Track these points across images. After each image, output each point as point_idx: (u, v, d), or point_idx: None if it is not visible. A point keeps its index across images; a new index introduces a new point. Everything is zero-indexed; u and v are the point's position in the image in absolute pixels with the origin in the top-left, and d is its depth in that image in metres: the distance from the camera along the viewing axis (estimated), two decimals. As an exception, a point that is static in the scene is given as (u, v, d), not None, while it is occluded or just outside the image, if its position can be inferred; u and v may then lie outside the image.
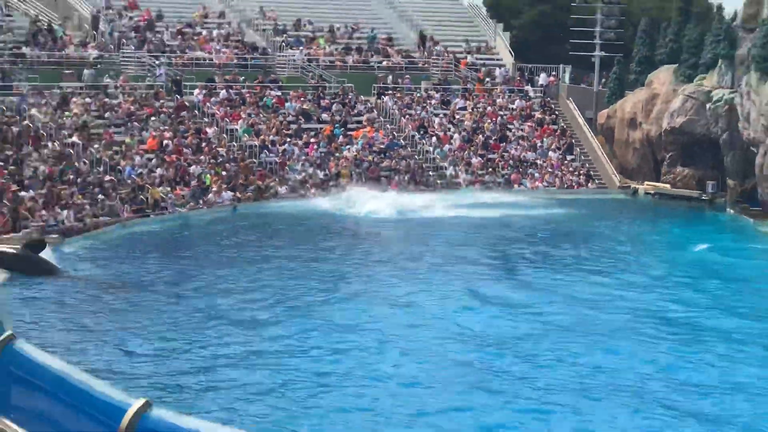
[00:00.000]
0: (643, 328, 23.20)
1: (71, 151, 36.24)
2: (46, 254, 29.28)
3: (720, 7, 51.17)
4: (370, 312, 24.80)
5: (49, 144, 36.40)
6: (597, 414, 17.46)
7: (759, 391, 18.91)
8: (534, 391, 18.38)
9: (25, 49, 41.75)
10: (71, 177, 34.56)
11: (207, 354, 21.16)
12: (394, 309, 24.61)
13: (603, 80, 51.55)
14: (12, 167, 34.59)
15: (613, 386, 18.59)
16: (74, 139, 37.19)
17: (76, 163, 35.43)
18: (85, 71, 41.37)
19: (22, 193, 32.72)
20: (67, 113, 37.98)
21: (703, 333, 23.64)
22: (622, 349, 21.37)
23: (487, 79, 49.11)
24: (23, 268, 27.64)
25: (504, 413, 17.67)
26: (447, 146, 42.42)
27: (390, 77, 46.84)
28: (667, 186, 43.08)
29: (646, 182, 43.57)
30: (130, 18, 47.05)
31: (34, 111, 38.02)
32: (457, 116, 45.43)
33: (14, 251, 28.32)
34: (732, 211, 41.37)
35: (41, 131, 36.90)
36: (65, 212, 32.27)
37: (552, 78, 50.42)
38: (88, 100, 39.53)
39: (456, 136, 43.56)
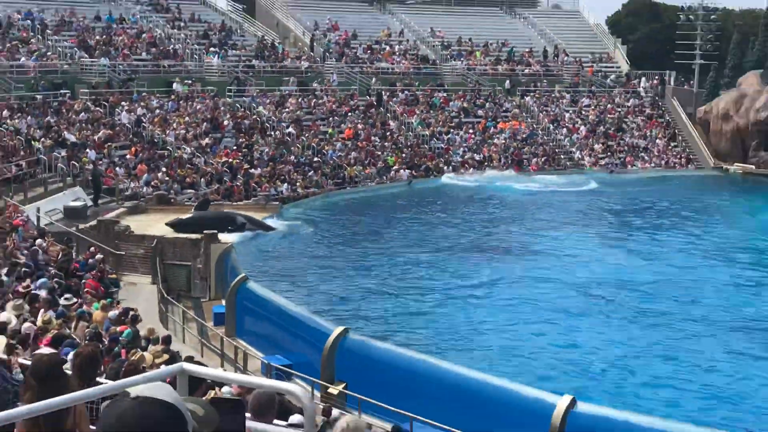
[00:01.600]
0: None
1: (288, 138, 42.99)
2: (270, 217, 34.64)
3: None
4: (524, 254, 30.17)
5: (272, 133, 43.23)
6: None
7: None
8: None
9: (254, 62, 49.57)
10: (288, 158, 41.25)
11: (389, 289, 25.41)
12: (548, 258, 29.65)
13: (703, 83, 56.37)
14: (245, 150, 41.25)
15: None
16: (290, 129, 43.91)
17: (292, 148, 42.22)
18: (291, 78, 48.83)
19: (252, 170, 39.46)
20: (285, 110, 45.32)
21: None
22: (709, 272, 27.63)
23: (608, 81, 55.15)
24: (249, 227, 32.81)
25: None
26: (575, 135, 49.08)
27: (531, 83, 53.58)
28: (752, 167, 48.55)
29: (735, 163, 49.40)
30: (333, 37, 54.97)
31: (260, 108, 45.24)
32: (583, 112, 51.84)
33: (244, 215, 33.22)
34: None
35: (266, 123, 43.85)
36: (284, 185, 38.96)
37: (655, 81, 55.82)
38: (300, 100, 46.98)
39: (582, 127, 50.10)
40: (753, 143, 48.89)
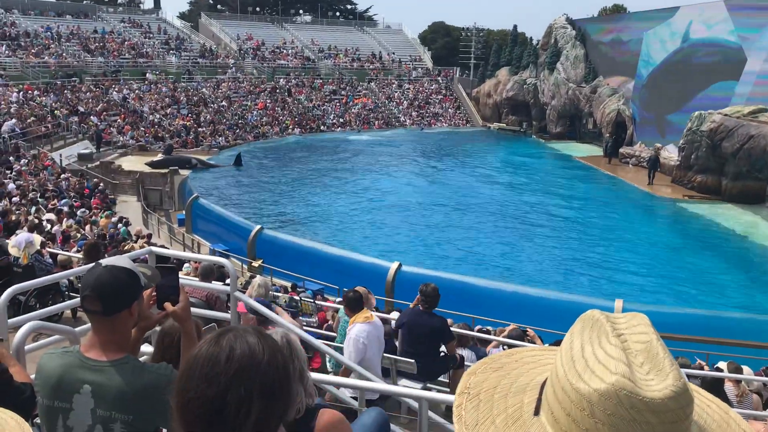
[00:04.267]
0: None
1: (222, 108, 55.07)
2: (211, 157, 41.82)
3: (531, 38, 75.02)
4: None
5: (212, 105, 54.97)
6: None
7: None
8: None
9: (199, 60, 61.69)
10: (222, 121, 52.27)
11: (289, 200, 31.65)
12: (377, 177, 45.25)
13: (477, 74, 72.70)
14: (194, 116, 51.38)
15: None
16: (223, 103, 56.40)
17: (225, 114, 54.33)
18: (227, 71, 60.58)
19: (200, 129, 48.85)
20: (219, 90, 57.60)
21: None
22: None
23: (415, 75, 72.23)
24: (199, 165, 37.53)
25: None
26: (401, 107, 67.74)
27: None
28: (504, 125, 65.57)
29: (495, 123, 66.78)
30: (249, 44, 67.18)
31: (204, 90, 56.15)
32: (405, 92, 69.69)
33: (195, 157, 38.95)
34: (534, 137, 61.45)
35: (207, 99, 55.45)
36: (221, 138, 49.55)
37: (448, 73, 72.75)
38: (230, 84, 59.40)
39: (405, 102, 68.48)
40: (504, 110, 67.10)
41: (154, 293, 3.03)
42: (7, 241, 11.05)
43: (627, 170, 44.78)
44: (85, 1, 68.31)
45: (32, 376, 3.21)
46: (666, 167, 41.25)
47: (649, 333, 1.19)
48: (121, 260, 2.85)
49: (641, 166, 44.35)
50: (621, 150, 48.32)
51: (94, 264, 2.86)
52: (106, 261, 2.85)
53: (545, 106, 59.55)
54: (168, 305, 3.03)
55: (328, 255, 19.63)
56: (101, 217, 21.21)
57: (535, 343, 10.89)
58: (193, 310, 3.49)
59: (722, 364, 10.12)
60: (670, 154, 41.73)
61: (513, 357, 1.41)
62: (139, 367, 2.81)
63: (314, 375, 4.28)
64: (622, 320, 1.22)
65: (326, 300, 14.99)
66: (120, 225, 20.86)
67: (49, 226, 16.52)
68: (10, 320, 4.50)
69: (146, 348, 4.32)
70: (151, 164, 34.97)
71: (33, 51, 52.14)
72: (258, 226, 21.73)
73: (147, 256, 5.51)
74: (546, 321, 13.75)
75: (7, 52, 51.02)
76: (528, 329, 11.76)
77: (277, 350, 1.75)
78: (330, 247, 20.81)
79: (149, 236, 19.63)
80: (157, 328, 3.90)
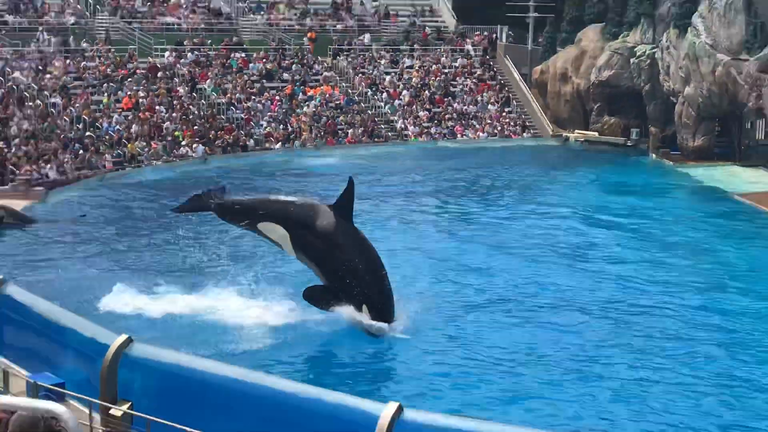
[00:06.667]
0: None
1: (53, 110, 38.10)
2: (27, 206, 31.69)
3: None
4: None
5: (32, 104, 38.02)
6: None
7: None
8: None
9: (6, 17, 42.91)
10: (54, 134, 36.48)
11: (177, 288, 23.08)
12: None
13: (538, 39, 54.03)
14: None
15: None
16: (55, 99, 38.78)
17: (58, 121, 37.35)
18: (53, 39, 43.16)
19: (7, 150, 34.73)
20: (47, 75, 39.87)
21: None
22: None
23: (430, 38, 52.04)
24: (6, 220, 29.41)
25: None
26: (397, 101, 45.44)
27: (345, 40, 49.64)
28: (595, 134, 46.15)
29: (576, 130, 46.74)
30: None
31: (17, 74, 39.47)
32: (405, 74, 48.26)
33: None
34: (654, 155, 44.56)
35: (24, 93, 38.45)
36: (49, 167, 34.21)
37: (485, 37, 53.71)
38: (67, 62, 41.22)
39: (405, 92, 46.43)
40: (595, 107, 46.79)
41: None
42: None
43: None
44: None
45: None
46: None
47: None
48: None
49: None
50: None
51: None
52: None
53: (673, 98, 45.93)
54: None
55: (262, 391, 12.78)
56: None
57: None
58: None
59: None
60: None
61: None
62: None
63: None
64: None
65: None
66: None
67: None
68: None
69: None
70: None
71: None
72: (123, 337, 14.07)
73: None
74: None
75: None
76: None
77: None
78: (266, 376, 13.59)
79: None
80: None
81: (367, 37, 51.72)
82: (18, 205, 31.02)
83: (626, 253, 28.07)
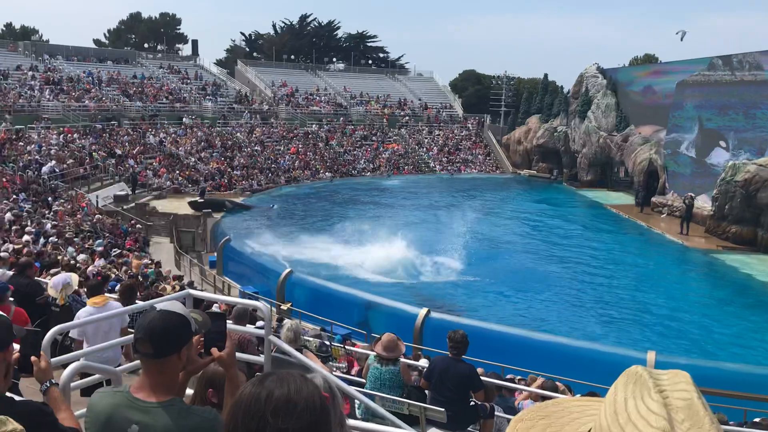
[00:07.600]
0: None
1: (255, 153, 54.70)
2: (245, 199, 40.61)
3: (561, 87, 74.35)
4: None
5: (245, 149, 54.67)
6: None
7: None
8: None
9: (234, 105, 61.18)
10: (255, 165, 51.86)
11: (320, 244, 30.84)
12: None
13: (507, 121, 71.58)
14: (228, 159, 50.83)
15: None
16: (257, 147, 55.87)
17: (258, 158, 53.84)
18: (257, 115, 59.66)
19: (233, 172, 48.83)
20: (253, 135, 57.34)
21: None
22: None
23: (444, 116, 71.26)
24: (232, 208, 38.18)
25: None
26: (430, 153, 66.79)
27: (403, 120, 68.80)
28: (534, 172, 64.41)
29: (525, 170, 65.61)
30: (283, 91, 67.91)
31: (238, 134, 55.88)
32: (435, 138, 68.99)
33: (229, 200, 39.65)
34: (565, 184, 59.52)
35: (241, 144, 55.17)
36: (253, 182, 48.83)
37: (477, 119, 71.81)
38: (263, 129, 59.02)
39: (435, 147, 67.68)
40: (535, 157, 65.67)
41: (202, 339, 3.12)
42: (45, 280, 11.06)
43: (659, 219, 44.28)
44: (125, 48, 71.13)
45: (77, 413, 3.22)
46: (699, 217, 40.61)
47: (691, 390, 1.22)
48: (174, 305, 2.92)
49: (674, 215, 43.88)
50: (653, 199, 47.63)
51: (149, 309, 2.94)
52: (160, 305, 2.93)
53: (576, 154, 58.73)
54: (215, 351, 3.11)
55: (357, 299, 19.48)
56: (133, 258, 21.32)
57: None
58: None
59: (760, 420, 9.73)
60: (704, 204, 41.21)
61: (560, 406, 1.43)
62: (185, 410, 2.87)
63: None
64: (665, 377, 1.25)
65: (354, 345, 14.88)
66: (150, 267, 20.95)
67: (83, 266, 16.60)
68: (52, 359, 4.33)
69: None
70: (193, 204, 36.14)
71: (74, 95, 53.37)
72: (288, 269, 21.64)
73: (185, 298, 5.48)
74: (577, 372, 13.60)
75: (50, 96, 52.04)
76: (558, 383, 11.54)
77: (317, 395, 1.78)
78: (360, 291, 20.54)
79: (180, 278, 19.76)
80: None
81: (414, 119, 70.82)
82: (238, 200, 40.30)
83: (538, 239, 34.96)
